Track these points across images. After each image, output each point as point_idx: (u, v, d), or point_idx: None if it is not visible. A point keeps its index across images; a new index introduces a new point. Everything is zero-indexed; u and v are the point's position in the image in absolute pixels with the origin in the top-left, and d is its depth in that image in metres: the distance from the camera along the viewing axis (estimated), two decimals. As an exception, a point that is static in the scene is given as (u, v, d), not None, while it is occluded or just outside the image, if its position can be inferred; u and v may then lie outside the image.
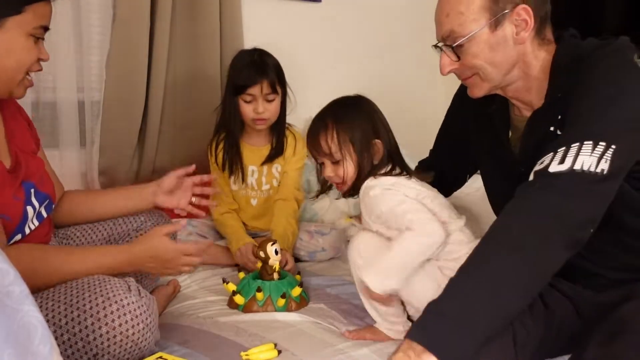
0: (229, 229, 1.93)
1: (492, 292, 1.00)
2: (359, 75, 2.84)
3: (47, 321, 1.04)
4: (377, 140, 1.36)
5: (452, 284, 1.04)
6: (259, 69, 1.86)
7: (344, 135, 1.35)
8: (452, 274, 1.21)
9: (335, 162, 1.37)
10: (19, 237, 1.26)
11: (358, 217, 2.20)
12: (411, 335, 1.00)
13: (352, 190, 1.39)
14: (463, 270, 1.05)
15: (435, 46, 1.24)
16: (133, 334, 1.09)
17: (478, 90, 1.25)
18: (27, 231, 1.27)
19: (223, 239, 2.05)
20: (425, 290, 1.26)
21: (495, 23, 1.16)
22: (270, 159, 1.98)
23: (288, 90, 1.97)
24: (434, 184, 1.40)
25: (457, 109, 1.50)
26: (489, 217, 1.91)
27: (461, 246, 1.30)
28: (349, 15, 2.80)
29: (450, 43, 1.19)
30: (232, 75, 1.92)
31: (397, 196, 1.31)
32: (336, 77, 2.78)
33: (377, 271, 1.25)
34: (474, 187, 2.04)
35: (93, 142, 2.13)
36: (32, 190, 1.29)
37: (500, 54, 1.18)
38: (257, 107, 1.85)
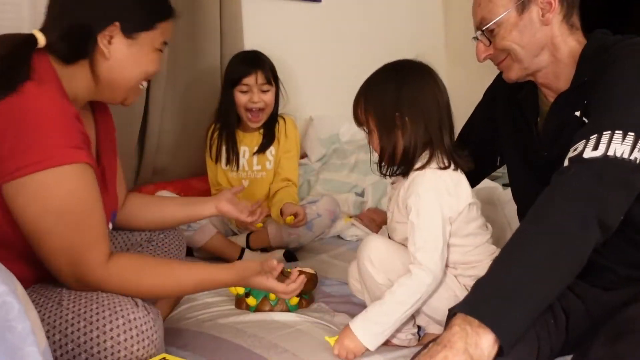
0: None
1: (538, 272, 1.02)
2: (359, 75, 2.84)
3: (54, 327, 1.05)
4: (397, 114, 1.26)
5: (497, 264, 1.06)
6: (253, 61, 1.99)
7: (369, 106, 1.30)
8: (469, 281, 1.23)
9: (369, 132, 1.33)
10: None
11: (358, 217, 2.21)
12: (464, 309, 1.00)
13: (388, 169, 1.32)
14: (507, 251, 1.07)
15: (474, 38, 1.32)
16: (138, 350, 1.06)
17: (512, 73, 1.30)
18: None
19: (233, 235, 2.06)
20: (441, 299, 1.26)
21: (522, 7, 1.23)
22: (262, 148, 2.07)
23: (281, 87, 2.07)
24: None
25: (488, 101, 1.54)
26: (489, 217, 1.92)
27: (483, 257, 1.31)
28: (349, 15, 2.81)
29: (482, 29, 1.27)
30: (229, 71, 2.05)
31: (436, 209, 1.25)
32: (336, 77, 2.78)
33: (378, 330, 1.22)
34: (474, 187, 2.04)
35: (93, 142, 2.13)
36: (113, 216, 1.33)
37: (528, 35, 1.24)
38: (252, 96, 1.96)
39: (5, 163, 1.03)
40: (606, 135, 1.07)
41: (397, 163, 1.30)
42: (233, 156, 2.06)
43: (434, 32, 3.08)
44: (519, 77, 1.30)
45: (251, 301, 1.47)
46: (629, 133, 1.07)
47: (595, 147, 1.07)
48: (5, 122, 1.02)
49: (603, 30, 1.28)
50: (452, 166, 1.29)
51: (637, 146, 1.06)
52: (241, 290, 1.49)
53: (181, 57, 2.26)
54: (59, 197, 1.06)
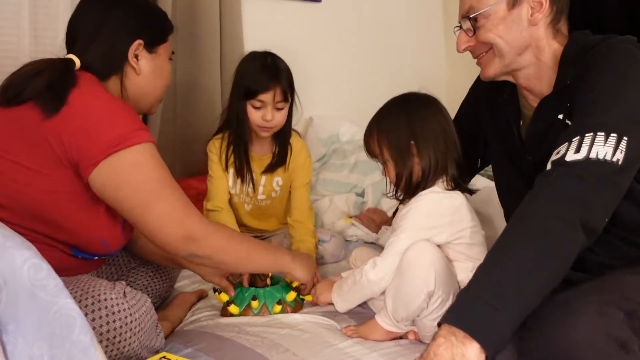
0: None
1: (522, 277, 1.01)
2: (359, 75, 2.85)
3: None
4: (412, 143, 1.33)
5: (482, 270, 1.05)
6: (272, 75, 1.76)
7: (382, 137, 1.37)
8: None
9: (383, 163, 1.39)
10: (105, 257, 1.35)
11: (358, 217, 2.21)
12: (449, 320, 0.99)
13: (406, 196, 1.38)
14: (491, 257, 1.07)
15: (458, 27, 1.31)
16: (108, 331, 1.07)
17: (491, 69, 1.29)
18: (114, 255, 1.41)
19: None
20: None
21: (513, 1, 1.23)
22: (271, 168, 1.89)
23: (296, 98, 1.87)
24: None
25: (472, 100, 1.55)
26: (488, 217, 1.92)
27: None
28: (349, 15, 2.81)
29: (468, 16, 1.26)
30: (243, 78, 1.80)
31: (417, 227, 1.32)
32: (336, 77, 2.78)
33: (342, 299, 1.43)
34: (474, 187, 2.04)
35: (93, 142, 2.12)
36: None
37: (514, 32, 1.24)
38: (265, 114, 1.76)
39: (86, 157, 1.12)
40: (588, 137, 1.07)
41: (412, 189, 1.36)
42: (247, 175, 1.86)
43: (433, 32, 3.08)
44: (497, 74, 1.29)
45: (233, 309, 1.46)
46: (612, 134, 1.06)
47: (578, 150, 1.07)
48: (71, 128, 1.11)
49: (583, 32, 1.28)
50: (456, 190, 1.34)
51: (619, 147, 1.06)
52: (224, 298, 1.49)
53: (181, 57, 2.26)
54: (154, 166, 1.18)
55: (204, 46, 2.28)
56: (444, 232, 1.32)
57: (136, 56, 1.30)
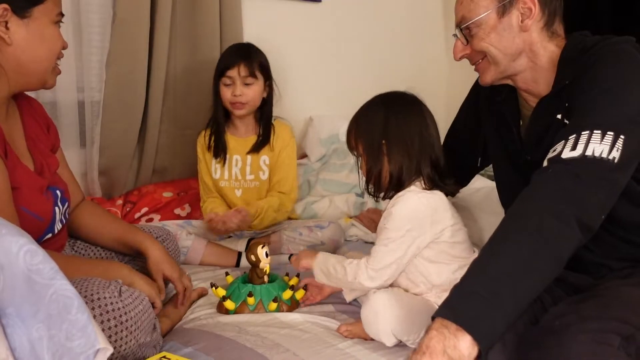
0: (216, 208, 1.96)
1: (517, 272, 1.01)
2: (358, 75, 2.85)
3: None
4: (383, 142, 1.34)
5: (476, 265, 1.05)
6: (239, 53, 1.95)
7: (358, 133, 1.38)
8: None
9: (359, 157, 1.41)
10: (49, 235, 1.29)
11: (358, 218, 2.21)
12: (442, 314, 0.99)
13: (376, 192, 1.39)
14: (485, 252, 1.06)
15: (454, 35, 1.34)
16: (102, 330, 1.04)
17: (488, 76, 1.31)
18: (56, 231, 1.31)
19: (223, 239, 2.05)
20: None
21: (502, 10, 1.24)
22: (256, 148, 2.00)
23: (274, 85, 2.01)
24: None
25: (472, 100, 1.55)
26: (488, 217, 1.92)
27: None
28: (349, 15, 2.81)
29: (461, 27, 1.29)
30: (218, 63, 2.00)
31: (402, 229, 1.31)
32: (336, 77, 2.78)
33: (324, 272, 1.42)
34: (474, 187, 2.05)
35: (93, 142, 2.13)
36: (59, 194, 1.33)
37: (506, 39, 1.26)
38: (234, 89, 1.91)
39: None
40: (584, 135, 1.08)
41: (384, 187, 1.37)
42: (221, 154, 1.98)
43: (434, 32, 3.08)
44: (495, 80, 1.31)
45: (229, 305, 1.47)
46: (608, 132, 1.07)
47: (574, 147, 1.08)
48: None
49: (582, 32, 1.29)
50: (435, 190, 1.35)
51: (615, 145, 1.07)
52: (221, 293, 1.50)
53: (181, 57, 2.26)
54: None
55: (203, 46, 2.28)
56: (426, 232, 1.32)
57: (5, 24, 1.17)
